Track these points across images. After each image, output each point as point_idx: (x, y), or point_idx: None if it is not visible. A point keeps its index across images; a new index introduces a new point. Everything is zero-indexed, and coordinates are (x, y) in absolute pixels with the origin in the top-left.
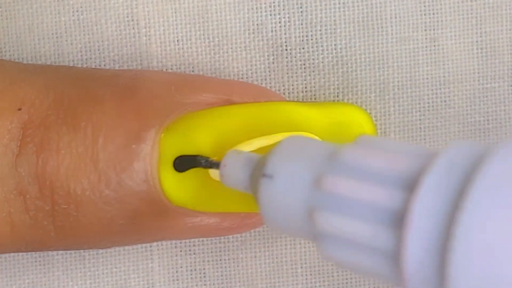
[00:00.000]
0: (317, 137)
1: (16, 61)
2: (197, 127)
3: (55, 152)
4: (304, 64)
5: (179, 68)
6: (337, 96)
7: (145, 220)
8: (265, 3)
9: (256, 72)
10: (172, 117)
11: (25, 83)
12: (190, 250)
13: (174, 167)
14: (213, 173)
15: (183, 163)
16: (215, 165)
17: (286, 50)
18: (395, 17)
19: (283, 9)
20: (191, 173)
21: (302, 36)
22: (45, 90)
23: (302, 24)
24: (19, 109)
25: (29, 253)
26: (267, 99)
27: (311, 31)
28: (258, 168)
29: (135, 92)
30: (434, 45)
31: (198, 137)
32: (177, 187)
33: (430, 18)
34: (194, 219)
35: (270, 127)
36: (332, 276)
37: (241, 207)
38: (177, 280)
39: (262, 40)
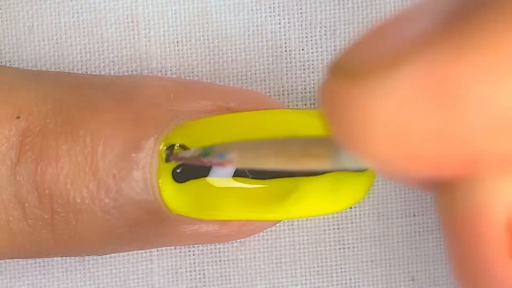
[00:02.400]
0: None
1: (15, 67)
2: (196, 136)
3: (54, 160)
4: (303, 65)
5: (179, 70)
6: None
7: (144, 228)
8: (264, 5)
9: (255, 73)
10: (171, 125)
11: (24, 91)
12: (189, 251)
13: (173, 177)
14: (215, 181)
15: (183, 172)
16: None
17: (286, 51)
18: None
19: (283, 11)
20: (191, 181)
21: (302, 37)
22: (43, 97)
23: (301, 25)
24: (18, 117)
25: None
26: (267, 107)
27: (310, 32)
28: None
29: (133, 100)
30: None
31: (197, 146)
32: (177, 195)
33: None
34: (193, 227)
35: (269, 135)
36: (331, 277)
37: (239, 215)
38: (177, 281)
39: (262, 41)
